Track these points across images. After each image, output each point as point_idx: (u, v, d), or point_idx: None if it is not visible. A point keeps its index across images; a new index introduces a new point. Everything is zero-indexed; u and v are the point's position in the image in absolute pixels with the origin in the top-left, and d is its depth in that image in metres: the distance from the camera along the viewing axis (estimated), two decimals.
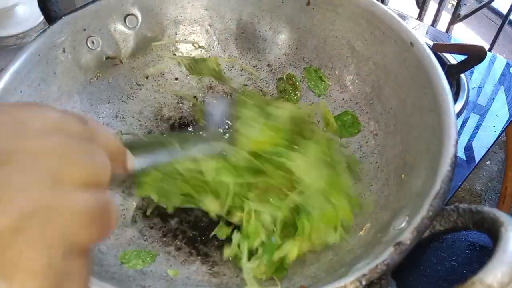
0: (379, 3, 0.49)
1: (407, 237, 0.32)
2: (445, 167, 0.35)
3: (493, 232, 0.30)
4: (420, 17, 0.85)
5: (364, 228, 0.44)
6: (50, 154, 0.19)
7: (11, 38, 0.77)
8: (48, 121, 0.20)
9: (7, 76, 0.44)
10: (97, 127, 0.22)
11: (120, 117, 0.55)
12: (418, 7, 0.85)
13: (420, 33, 0.78)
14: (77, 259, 0.19)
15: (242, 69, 0.61)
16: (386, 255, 0.31)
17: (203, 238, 0.48)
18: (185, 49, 0.60)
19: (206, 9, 0.59)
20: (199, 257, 0.46)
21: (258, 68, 0.61)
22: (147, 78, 0.58)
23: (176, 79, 0.60)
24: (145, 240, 0.47)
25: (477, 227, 0.33)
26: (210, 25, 0.60)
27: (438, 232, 0.35)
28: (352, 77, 0.54)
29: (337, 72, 0.56)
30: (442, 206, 0.34)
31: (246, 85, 0.61)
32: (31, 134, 0.19)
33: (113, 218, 0.21)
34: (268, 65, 0.60)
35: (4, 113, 0.19)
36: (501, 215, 0.31)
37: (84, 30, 0.52)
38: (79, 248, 0.19)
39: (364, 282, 0.30)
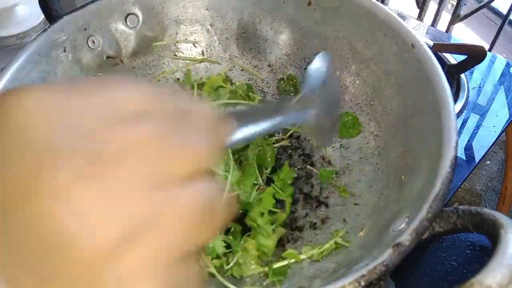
0: (380, 4, 0.49)
1: (406, 238, 0.32)
2: (445, 168, 0.35)
3: (493, 234, 0.30)
4: (420, 17, 0.85)
5: (363, 229, 0.44)
6: (148, 148, 0.16)
7: (11, 38, 0.77)
8: (141, 101, 0.17)
9: (7, 75, 0.45)
10: (191, 97, 0.20)
11: None
12: (418, 7, 0.85)
13: (420, 33, 0.78)
14: (190, 263, 0.17)
15: (243, 69, 0.61)
16: (385, 256, 0.31)
17: None
18: (186, 49, 0.60)
19: (207, 9, 0.59)
20: (200, 256, 0.46)
21: (259, 68, 0.61)
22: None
23: (178, 79, 0.60)
24: None
25: (477, 229, 0.33)
26: (211, 25, 0.60)
27: (437, 233, 0.35)
28: (353, 78, 0.54)
29: (337, 73, 0.56)
30: (442, 208, 0.34)
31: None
32: (125, 121, 0.16)
33: (219, 213, 0.18)
34: (269, 65, 0.60)
35: (91, 92, 0.16)
36: (501, 217, 0.31)
37: (85, 29, 0.52)
38: (190, 252, 0.17)
39: (363, 283, 0.30)
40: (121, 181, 0.15)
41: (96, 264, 0.14)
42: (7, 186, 0.14)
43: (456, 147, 0.37)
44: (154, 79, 0.59)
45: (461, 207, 0.34)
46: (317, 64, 0.36)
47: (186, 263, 0.17)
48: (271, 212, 0.47)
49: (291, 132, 0.57)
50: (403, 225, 0.36)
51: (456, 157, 0.36)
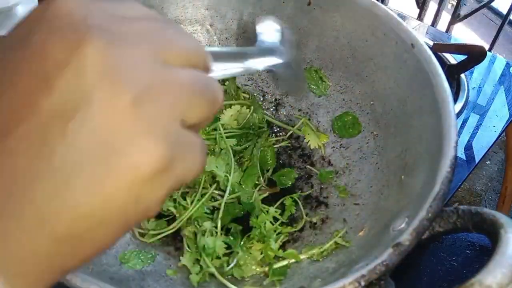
0: (380, 4, 0.49)
1: (406, 238, 0.32)
2: (444, 168, 0.35)
3: (493, 234, 0.30)
4: (420, 17, 0.85)
5: (363, 229, 0.44)
6: (150, 35, 0.19)
7: None
8: (141, 12, 0.20)
9: None
10: (198, 48, 0.22)
11: None
12: (418, 7, 0.85)
13: (420, 33, 0.78)
14: (192, 132, 0.19)
15: None
16: (385, 256, 0.31)
17: None
18: None
19: (207, 9, 0.59)
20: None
21: None
22: None
23: None
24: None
25: (477, 229, 0.33)
26: (211, 25, 0.60)
27: (437, 233, 0.35)
28: (352, 78, 0.54)
29: (337, 72, 0.56)
30: (442, 208, 0.34)
31: (247, 85, 0.61)
32: (129, 19, 0.19)
33: (219, 92, 0.21)
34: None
35: (97, 2, 0.20)
36: (501, 217, 0.31)
37: None
38: (192, 123, 0.19)
39: (363, 283, 0.30)
40: (128, 56, 0.18)
41: (116, 111, 0.17)
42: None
43: (456, 146, 0.37)
44: None
45: (461, 207, 0.34)
46: (267, 25, 0.39)
47: (190, 133, 0.19)
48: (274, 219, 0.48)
49: (290, 132, 0.57)
50: (403, 225, 0.36)
51: (456, 157, 0.36)
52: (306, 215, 0.49)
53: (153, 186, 0.18)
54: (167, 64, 0.19)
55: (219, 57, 0.26)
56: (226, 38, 0.60)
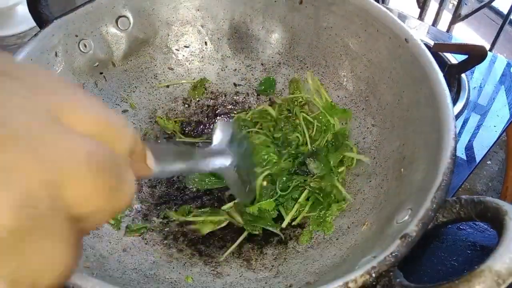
0: (372, 1, 0.50)
1: (412, 229, 0.33)
2: (445, 159, 0.36)
3: (497, 221, 0.31)
4: (421, 16, 0.86)
5: (366, 223, 0.44)
6: (54, 90, 0.16)
7: (12, 38, 0.76)
8: (55, 76, 0.18)
9: None
10: (119, 124, 0.18)
11: None
12: (419, 6, 0.85)
13: (421, 32, 0.78)
14: (64, 220, 0.14)
15: (235, 69, 0.61)
16: (393, 247, 0.31)
17: (204, 239, 0.48)
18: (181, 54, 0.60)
19: (198, 10, 0.59)
20: (202, 258, 0.46)
21: (252, 67, 0.61)
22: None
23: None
24: (146, 244, 0.47)
25: (480, 218, 0.33)
26: (202, 26, 0.60)
27: (441, 223, 0.36)
28: (346, 74, 0.55)
29: (331, 69, 0.56)
30: (445, 198, 0.35)
31: (240, 84, 0.61)
32: (34, 70, 0.16)
33: (129, 185, 0.16)
34: (262, 64, 0.60)
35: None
36: (504, 204, 0.31)
37: (76, 33, 0.51)
38: (79, 212, 0.15)
39: (374, 275, 0.30)
40: (27, 99, 0.15)
41: None
42: None
43: (455, 137, 0.37)
44: (147, 81, 0.58)
45: (464, 196, 0.35)
46: (222, 127, 0.41)
47: (62, 213, 0.15)
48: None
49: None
50: (406, 217, 0.37)
51: (455, 148, 0.37)
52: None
53: None
54: (65, 125, 0.15)
55: (163, 152, 0.26)
56: (218, 38, 0.60)
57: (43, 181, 0.14)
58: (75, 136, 0.15)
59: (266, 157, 0.50)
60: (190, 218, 0.49)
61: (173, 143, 0.56)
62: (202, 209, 0.50)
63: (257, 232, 0.48)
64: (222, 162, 0.36)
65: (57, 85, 0.16)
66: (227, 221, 0.49)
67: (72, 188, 0.14)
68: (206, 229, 0.48)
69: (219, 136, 0.39)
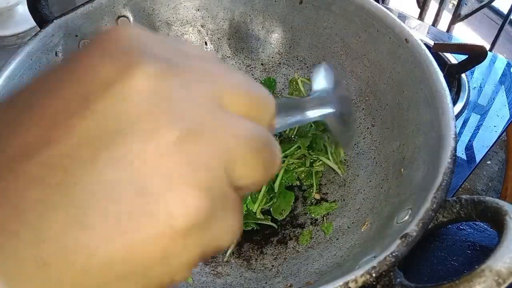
0: (373, 1, 0.50)
1: (413, 229, 0.33)
2: (446, 159, 0.36)
3: (497, 221, 0.31)
4: (420, 16, 0.85)
5: (365, 223, 0.44)
6: (212, 76, 0.17)
7: (12, 38, 0.76)
8: (208, 54, 0.20)
9: (0, 80, 0.44)
10: (264, 98, 0.20)
11: None
12: (419, 6, 0.85)
13: (421, 32, 0.78)
14: (234, 192, 0.17)
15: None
16: (394, 247, 0.32)
17: None
18: None
19: (198, 10, 0.59)
20: None
21: (252, 67, 0.61)
22: None
23: None
24: None
25: (480, 218, 0.33)
26: (202, 26, 0.60)
27: (441, 223, 0.36)
28: (346, 74, 0.55)
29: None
30: (445, 198, 0.35)
31: None
32: (193, 56, 0.18)
33: (278, 156, 0.19)
34: (262, 64, 0.60)
35: (164, 36, 0.19)
36: (504, 204, 0.31)
37: (76, 34, 0.51)
38: (239, 185, 0.17)
39: (374, 274, 0.30)
40: (186, 92, 0.16)
41: (158, 149, 0.15)
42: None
43: (455, 137, 0.37)
44: None
45: (464, 196, 0.35)
46: (321, 73, 0.38)
47: (234, 193, 0.17)
48: None
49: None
50: (406, 217, 0.37)
51: (455, 148, 0.37)
52: (307, 212, 0.50)
53: (185, 244, 0.15)
54: (226, 109, 0.17)
55: (278, 110, 0.24)
56: (218, 38, 0.60)
57: (222, 163, 0.16)
58: (235, 120, 0.17)
59: None
60: None
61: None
62: None
63: (250, 228, 0.48)
64: (328, 109, 0.34)
65: (211, 69, 0.18)
66: None
67: (239, 167, 0.16)
68: None
69: (320, 81, 0.37)
